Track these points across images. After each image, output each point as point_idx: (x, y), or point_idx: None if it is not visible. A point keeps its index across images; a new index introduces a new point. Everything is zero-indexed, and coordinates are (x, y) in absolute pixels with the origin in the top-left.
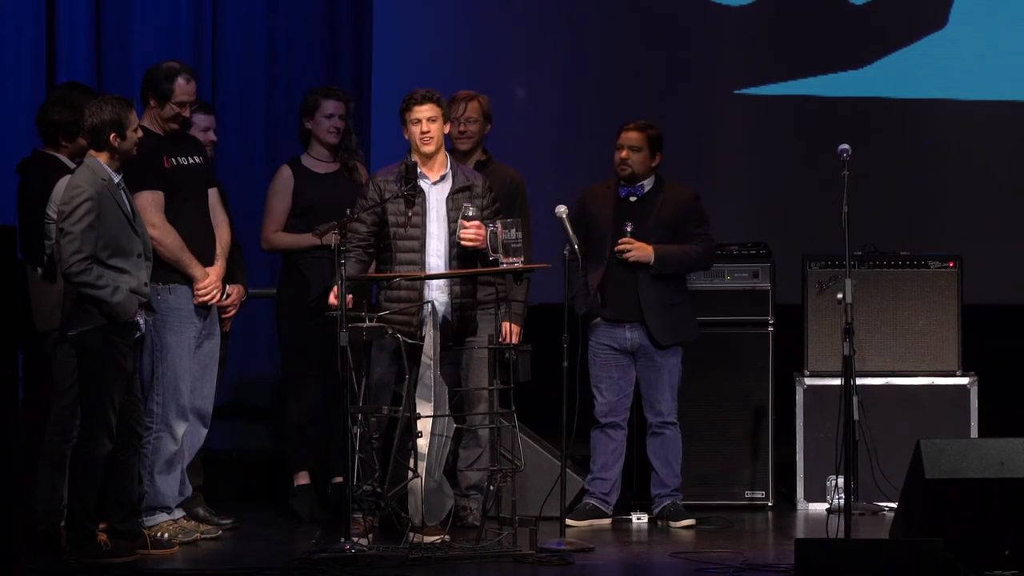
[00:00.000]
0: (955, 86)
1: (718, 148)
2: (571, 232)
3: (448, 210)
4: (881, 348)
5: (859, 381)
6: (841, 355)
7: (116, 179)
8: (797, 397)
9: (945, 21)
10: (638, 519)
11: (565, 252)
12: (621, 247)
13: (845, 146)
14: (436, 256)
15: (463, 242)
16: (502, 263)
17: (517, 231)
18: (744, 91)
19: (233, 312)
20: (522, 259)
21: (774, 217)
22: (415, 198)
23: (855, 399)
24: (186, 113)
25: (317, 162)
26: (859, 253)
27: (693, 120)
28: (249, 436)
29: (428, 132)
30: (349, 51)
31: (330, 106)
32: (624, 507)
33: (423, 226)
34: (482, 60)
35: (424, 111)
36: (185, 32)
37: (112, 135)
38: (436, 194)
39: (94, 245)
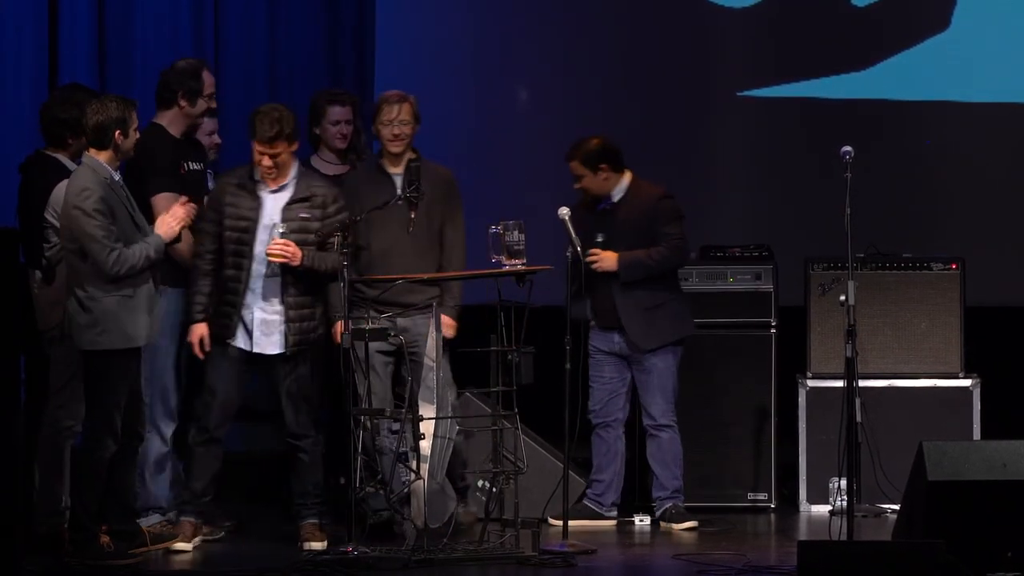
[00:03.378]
0: (958, 88)
1: (720, 150)
2: (573, 234)
3: (282, 220)
4: (883, 350)
5: (861, 383)
6: (843, 357)
7: (116, 177)
8: (799, 399)
9: (947, 23)
10: (640, 521)
11: (568, 254)
12: (589, 259)
13: (847, 148)
14: (261, 263)
15: (269, 258)
16: (504, 265)
17: (520, 233)
18: (746, 93)
19: None
20: (524, 261)
21: (776, 219)
22: (418, 200)
23: (857, 401)
24: (213, 104)
25: (326, 164)
26: (861, 255)
27: (695, 122)
28: (250, 438)
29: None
30: (351, 51)
31: (336, 112)
32: (626, 509)
33: (252, 232)
34: (484, 59)
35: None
36: (186, 32)
37: (117, 133)
38: (272, 203)
39: (116, 235)
